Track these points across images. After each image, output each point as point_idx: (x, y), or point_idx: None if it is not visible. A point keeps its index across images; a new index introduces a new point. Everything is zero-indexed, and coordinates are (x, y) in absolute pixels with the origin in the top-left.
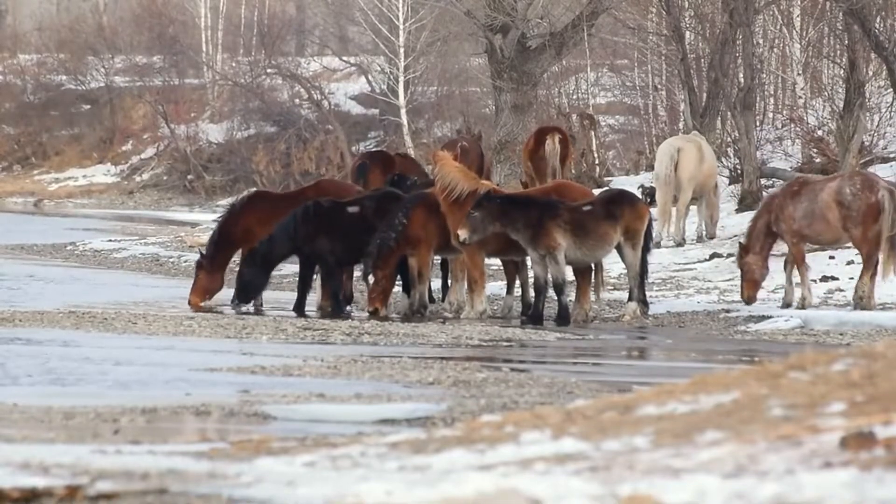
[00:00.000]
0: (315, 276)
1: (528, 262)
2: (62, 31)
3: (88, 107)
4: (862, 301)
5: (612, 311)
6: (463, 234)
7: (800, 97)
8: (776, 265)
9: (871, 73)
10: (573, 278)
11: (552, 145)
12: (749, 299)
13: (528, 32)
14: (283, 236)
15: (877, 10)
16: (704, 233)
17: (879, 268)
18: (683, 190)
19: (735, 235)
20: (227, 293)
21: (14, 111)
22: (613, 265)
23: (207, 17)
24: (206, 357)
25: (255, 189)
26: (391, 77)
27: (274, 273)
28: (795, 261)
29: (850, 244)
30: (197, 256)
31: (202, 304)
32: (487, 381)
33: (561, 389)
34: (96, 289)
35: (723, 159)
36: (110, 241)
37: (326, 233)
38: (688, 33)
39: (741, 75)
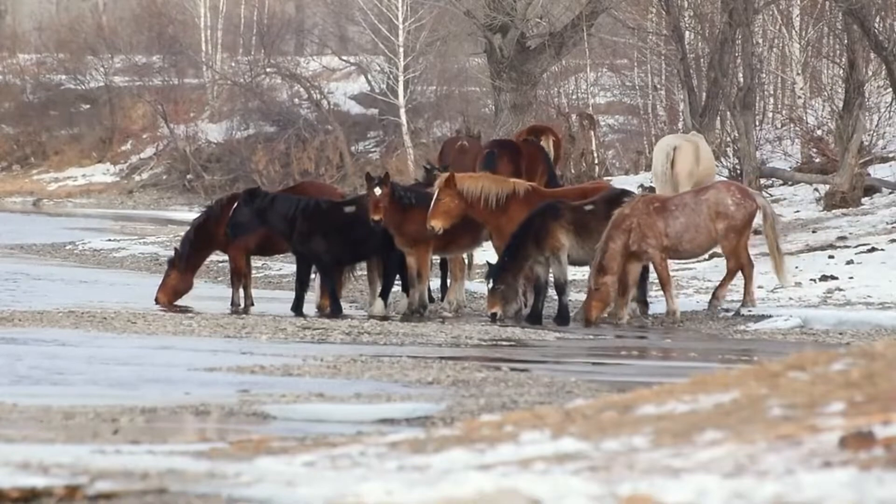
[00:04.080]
0: (313, 276)
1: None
2: (61, 30)
3: (88, 106)
4: (718, 302)
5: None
6: (498, 311)
7: (799, 97)
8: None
9: (870, 73)
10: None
11: (546, 148)
12: (596, 321)
13: (528, 32)
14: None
15: (876, 9)
16: None
17: (773, 274)
18: (682, 187)
19: None
20: (222, 294)
21: (13, 111)
22: None
23: (207, 16)
24: (205, 357)
25: (232, 192)
26: (390, 77)
27: (273, 273)
28: (662, 277)
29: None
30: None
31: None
32: (487, 381)
33: (560, 389)
34: (95, 288)
35: (722, 159)
36: (109, 240)
37: (323, 233)
38: (687, 33)
39: (741, 75)
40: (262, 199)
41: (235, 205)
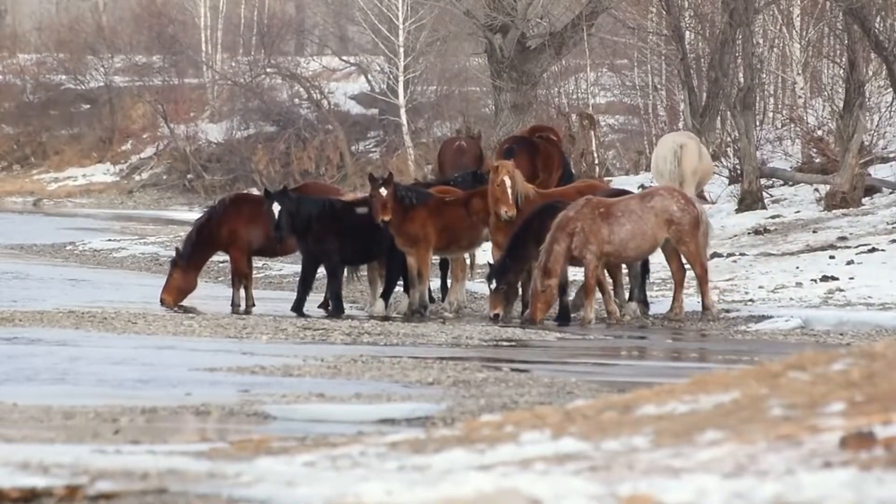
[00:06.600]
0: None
1: None
2: (61, 30)
3: (88, 106)
4: (711, 312)
5: None
6: (500, 312)
7: (799, 97)
8: (779, 265)
9: (870, 73)
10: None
11: None
12: (540, 322)
13: (528, 32)
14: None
15: (877, 9)
16: None
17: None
18: (688, 184)
19: (735, 235)
20: (222, 294)
21: (13, 111)
22: None
23: (207, 16)
24: (206, 357)
25: (235, 192)
26: (391, 77)
27: (273, 273)
28: (598, 282)
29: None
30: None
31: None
32: (487, 381)
33: (561, 389)
34: (96, 288)
35: (723, 159)
36: (110, 240)
37: (336, 233)
38: (688, 33)
39: (741, 75)
40: (292, 201)
41: (277, 208)
